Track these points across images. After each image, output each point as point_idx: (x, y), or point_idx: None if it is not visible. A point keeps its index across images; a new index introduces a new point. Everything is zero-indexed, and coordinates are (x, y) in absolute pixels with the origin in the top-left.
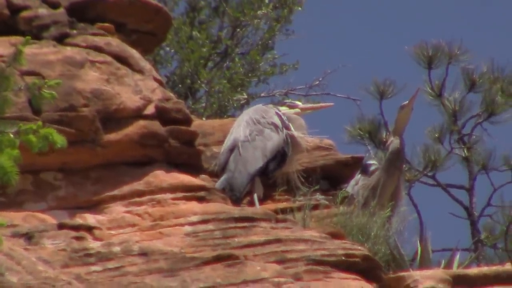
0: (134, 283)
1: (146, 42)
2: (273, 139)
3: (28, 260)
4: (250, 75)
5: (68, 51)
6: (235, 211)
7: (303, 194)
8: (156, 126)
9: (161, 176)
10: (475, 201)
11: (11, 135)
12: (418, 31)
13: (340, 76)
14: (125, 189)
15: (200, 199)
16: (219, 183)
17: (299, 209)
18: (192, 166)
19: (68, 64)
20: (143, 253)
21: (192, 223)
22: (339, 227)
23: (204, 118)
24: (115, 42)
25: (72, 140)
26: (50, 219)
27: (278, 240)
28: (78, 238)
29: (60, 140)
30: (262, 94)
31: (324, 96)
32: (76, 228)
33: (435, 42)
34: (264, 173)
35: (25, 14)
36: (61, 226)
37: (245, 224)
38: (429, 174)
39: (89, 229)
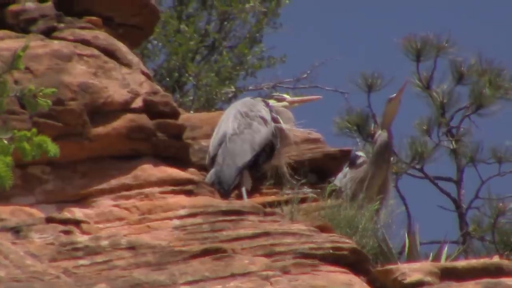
0: (122, 277)
1: (134, 35)
2: (261, 132)
3: (16, 254)
4: (237, 68)
5: (56, 44)
6: (223, 204)
7: (291, 188)
8: (143, 119)
9: (149, 170)
10: (463, 193)
11: (5, 142)
12: (407, 23)
13: (328, 69)
14: (113, 182)
15: (188, 193)
16: (209, 177)
17: (287, 202)
18: (180, 159)
19: (55, 58)
20: (131, 247)
21: (180, 217)
22: (327, 220)
23: (192, 112)
24: (102, 36)
25: (60, 134)
26: (38, 213)
27: (266, 234)
28: (66, 232)
29: (53, 149)
30: (250, 87)
31: (312, 89)
32: (64, 222)
33: (424, 34)
34: (254, 166)
35: (12, 7)
36: (49, 220)
37: (233, 217)
38: (417, 166)
39: (77, 223)
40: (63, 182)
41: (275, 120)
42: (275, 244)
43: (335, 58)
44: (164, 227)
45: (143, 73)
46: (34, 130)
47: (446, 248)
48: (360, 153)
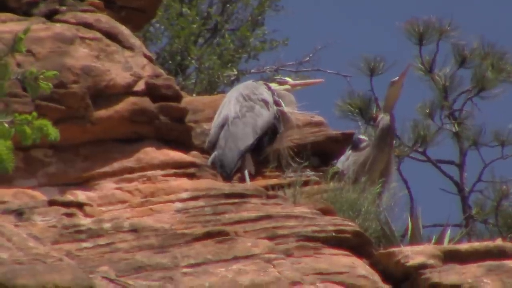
0: (124, 260)
1: (136, 18)
2: (264, 116)
3: (19, 237)
4: (240, 51)
5: (58, 27)
6: (226, 187)
7: (293, 170)
8: (146, 102)
9: (151, 153)
10: (465, 176)
11: (6, 125)
12: (409, 7)
13: (330, 52)
14: (116, 165)
15: (191, 176)
16: (210, 159)
17: (290, 185)
18: (182, 142)
19: (58, 41)
20: (134, 230)
21: (182, 200)
22: (330, 203)
23: (194, 95)
24: (104, 19)
25: (62, 117)
26: (41, 196)
27: (268, 216)
28: (68, 215)
29: (53, 132)
30: (252, 70)
31: (314, 72)
32: (67, 204)
33: (426, 18)
34: (256, 149)
35: None
36: (51, 203)
37: (236, 200)
38: (420, 149)
39: (80, 205)
40: (65, 165)
41: (277, 103)
42: (277, 227)
43: (337, 42)
44: (167, 210)
45: (146, 56)
46: (35, 113)
47: (448, 231)
48: (362, 136)
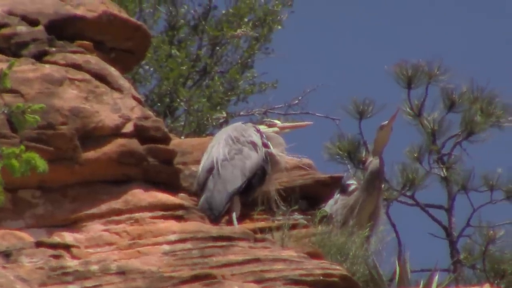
0: None
1: (125, 60)
2: (252, 158)
3: (6, 278)
4: (229, 93)
5: (47, 68)
6: (214, 230)
7: (281, 214)
8: (134, 144)
9: (139, 195)
10: (454, 221)
11: None
12: (398, 50)
13: (319, 96)
14: (103, 207)
15: (179, 218)
16: (200, 203)
17: (278, 228)
18: (171, 184)
19: (46, 82)
20: (121, 272)
21: (170, 242)
22: (318, 246)
23: (183, 137)
24: (94, 60)
25: (50, 158)
26: (28, 237)
27: (256, 260)
28: (56, 257)
29: (42, 164)
30: (241, 113)
31: (303, 115)
32: (54, 246)
33: (415, 61)
34: (245, 192)
35: (4, 31)
36: (39, 244)
37: (224, 243)
38: (408, 193)
39: (67, 247)
40: (53, 206)
41: (265, 145)
42: (265, 271)
43: (326, 85)
44: (154, 252)
45: (134, 98)
46: (23, 147)
47: (437, 276)
48: (351, 180)
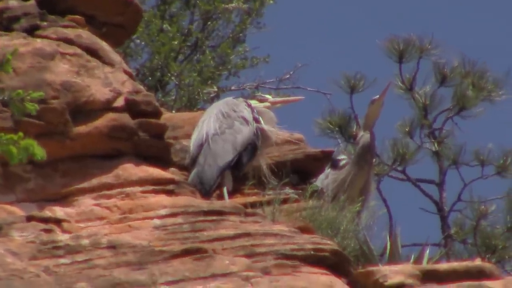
0: (102, 276)
1: (117, 34)
2: (243, 133)
3: None
4: (220, 68)
5: (39, 43)
6: (204, 204)
7: (272, 188)
8: (125, 118)
9: (130, 169)
10: (445, 196)
11: None
12: (390, 25)
13: (310, 70)
14: (94, 182)
15: (169, 192)
16: (191, 177)
17: (269, 203)
18: (162, 159)
19: (38, 56)
20: (112, 246)
21: (161, 216)
22: (308, 221)
23: (174, 111)
24: (85, 35)
25: (41, 133)
26: (19, 211)
27: (247, 234)
28: (46, 231)
29: (39, 152)
30: (233, 88)
31: (295, 90)
32: (45, 220)
33: (406, 36)
34: (236, 166)
35: None
36: (29, 219)
37: (214, 217)
38: (399, 168)
39: (58, 221)
40: (44, 180)
41: (256, 120)
42: (256, 245)
43: (318, 59)
44: (145, 227)
45: (126, 72)
46: (21, 134)
47: (427, 251)
48: (342, 155)
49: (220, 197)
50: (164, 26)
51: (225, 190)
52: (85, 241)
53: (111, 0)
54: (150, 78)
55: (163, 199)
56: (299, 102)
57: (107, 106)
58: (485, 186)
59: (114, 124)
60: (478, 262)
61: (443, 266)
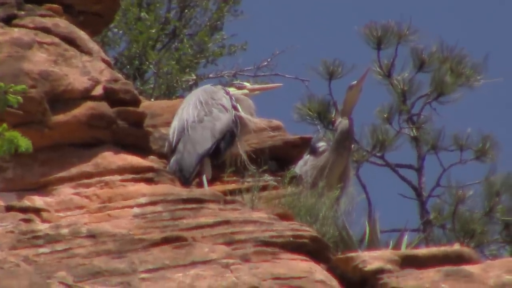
0: (82, 265)
1: (94, 23)
2: (222, 120)
3: None
4: (198, 56)
5: (16, 32)
6: (184, 192)
7: (251, 175)
8: (104, 107)
9: (109, 158)
10: (424, 181)
11: None
12: (367, 11)
13: (289, 57)
14: (73, 170)
15: (149, 181)
16: (170, 165)
17: (248, 190)
18: (140, 147)
19: (15, 46)
20: (91, 235)
21: (140, 205)
22: (287, 208)
23: (152, 99)
24: (63, 24)
25: (20, 122)
26: None
27: (226, 222)
28: (26, 220)
29: (24, 144)
30: (211, 75)
31: (273, 77)
32: (24, 210)
33: (384, 22)
34: (215, 154)
35: None
36: (8, 208)
37: (194, 205)
38: (378, 154)
39: (37, 211)
40: (23, 170)
41: (235, 108)
42: (235, 232)
43: (295, 46)
44: (125, 215)
45: (104, 60)
46: (5, 125)
47: (406, 236)
48: (321, 142)
49: (200, 185)
50: (142, 14)
51: (204, 178)
52: (65, 230)
53: None
54: (128, 67)
55: (142, 187)
56: (277, 89)
57: (85, 95)
58: (464, 171)
59: (93, 113)
60: (457, 247)
61: (422, 251)
